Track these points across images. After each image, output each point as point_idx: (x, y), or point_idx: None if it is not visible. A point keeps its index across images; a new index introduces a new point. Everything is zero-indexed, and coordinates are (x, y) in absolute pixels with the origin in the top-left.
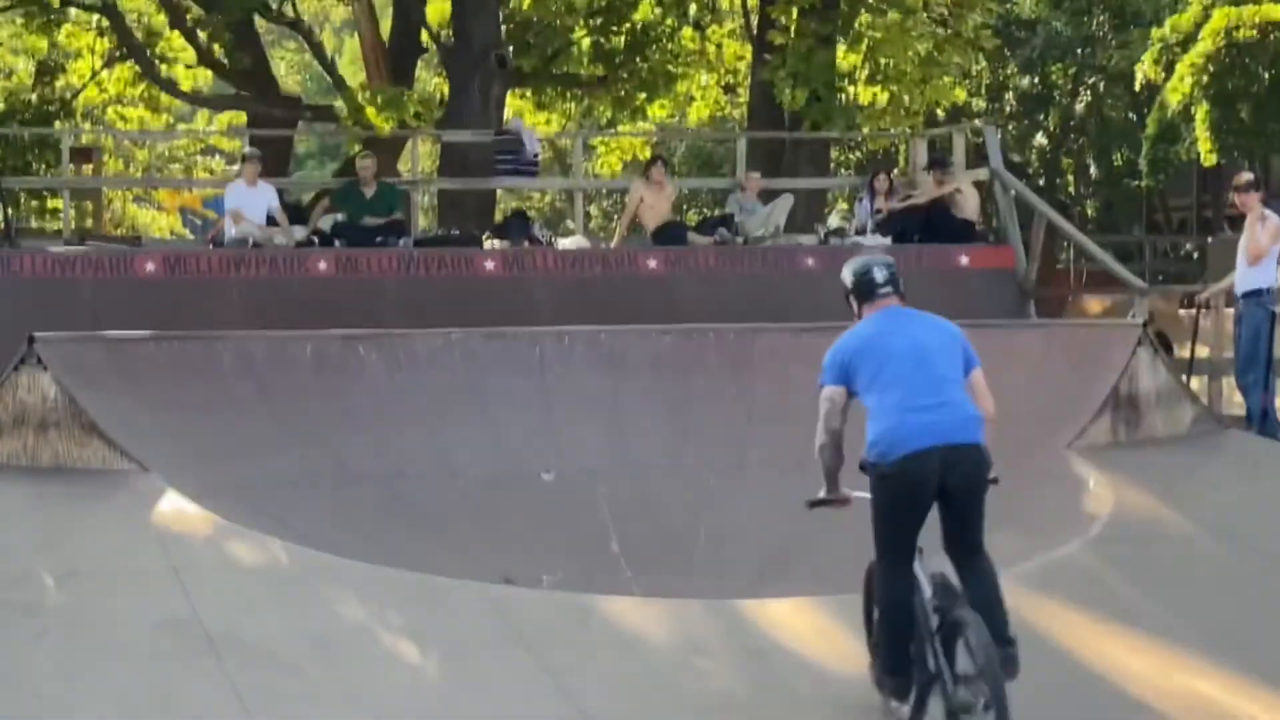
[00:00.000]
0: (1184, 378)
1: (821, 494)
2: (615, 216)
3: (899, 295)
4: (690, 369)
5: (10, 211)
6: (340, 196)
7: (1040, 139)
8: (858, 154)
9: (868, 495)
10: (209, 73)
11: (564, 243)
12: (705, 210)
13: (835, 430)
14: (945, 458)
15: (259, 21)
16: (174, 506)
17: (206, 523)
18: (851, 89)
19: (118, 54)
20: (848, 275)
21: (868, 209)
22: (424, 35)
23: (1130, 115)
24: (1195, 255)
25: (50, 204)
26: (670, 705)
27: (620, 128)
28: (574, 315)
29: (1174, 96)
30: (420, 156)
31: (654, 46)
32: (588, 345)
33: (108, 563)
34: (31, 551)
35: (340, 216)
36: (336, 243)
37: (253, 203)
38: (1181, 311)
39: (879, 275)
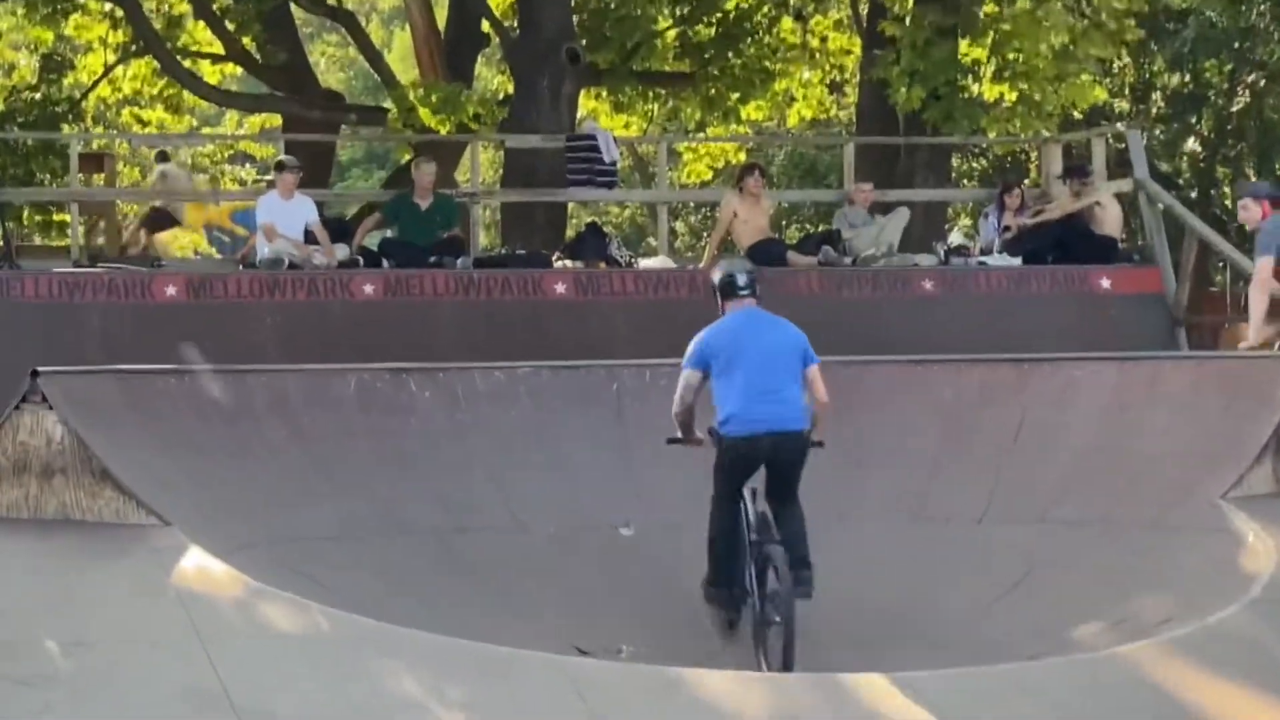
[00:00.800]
0: None
1: (678, 435)
2: (704, 233)
3: (755, 298)
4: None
5: (10, 227)
6: (391, 210)
7: (1192, 144)
8: (983, 162)
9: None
10: (238, 69)
11: (645, 263)
12: (808, 226)
13: (689, 406)
14: (775, 440)
15: (295, 10)
16: (198, 565)
17: (235, 583)
18: (975, 87)
19: (134, 47)
20: (715, 277)
21: (995, 225)
22: (485, 25)
23: None
24: None
25: (56, 218)
26: None
27: (710, 131)
28: (657, 346)
29: None
30: (481, 165)
31: (749, 39)
32: (672, 380)
33: (121, 629)
34: (34, 616)
35: (390, 233)
36: (385, 263)
37: (289, 217)
38: None
39: (741, 279)
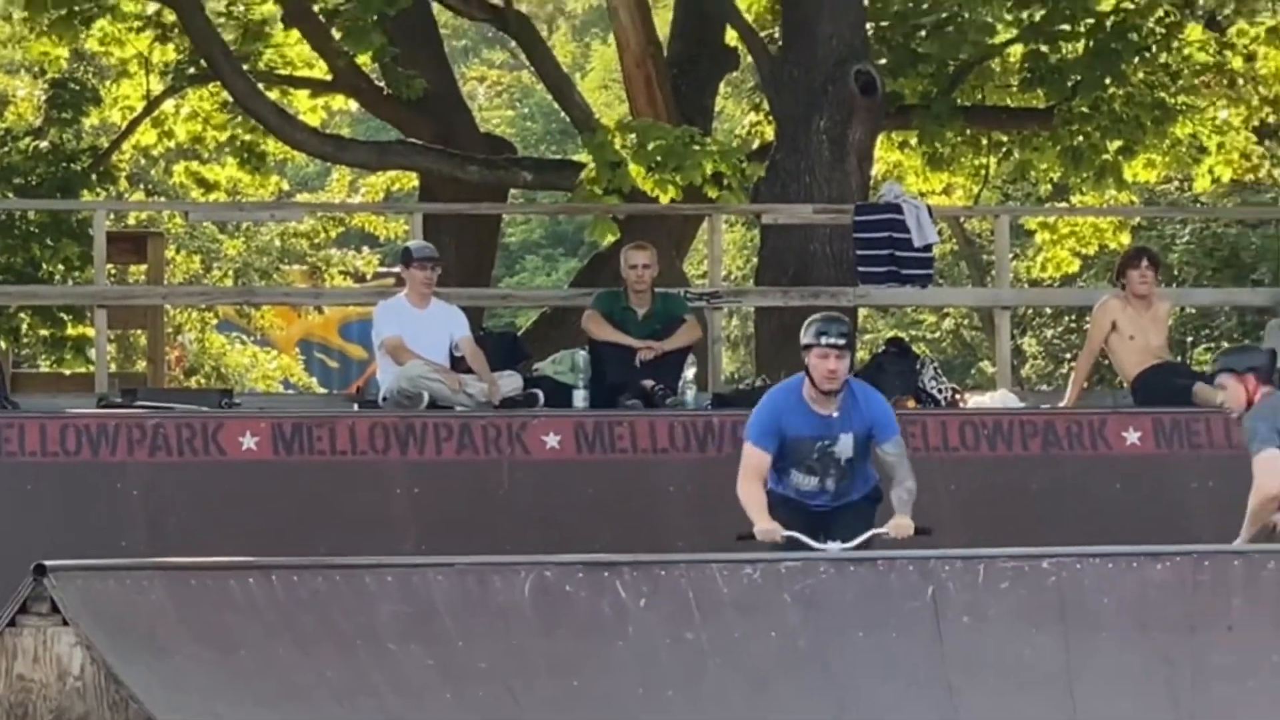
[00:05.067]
0: None
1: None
2: (1067, 354)
3: None
4: (1197, 619)
5: (2, 346)
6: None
7: None
8: None
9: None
10: (352, 103)
11: (977, 399)
12: (1224, 344)
13: None
14: None
15: (441, 15)
16: None
17: None
18: None
19: (191, 70)
20: None
21: None
22: (732, 36)
23: None
24: None
25: (73, 331)
26: None
27: (1076, 200)
28: (993, 523)
29: None
30: (725, 250)
31: (1136, 58)
32: (1016, 576)
33: None
34: None
35: (582, 357)
36: (577, 398)
37: (427, 331)
38: None
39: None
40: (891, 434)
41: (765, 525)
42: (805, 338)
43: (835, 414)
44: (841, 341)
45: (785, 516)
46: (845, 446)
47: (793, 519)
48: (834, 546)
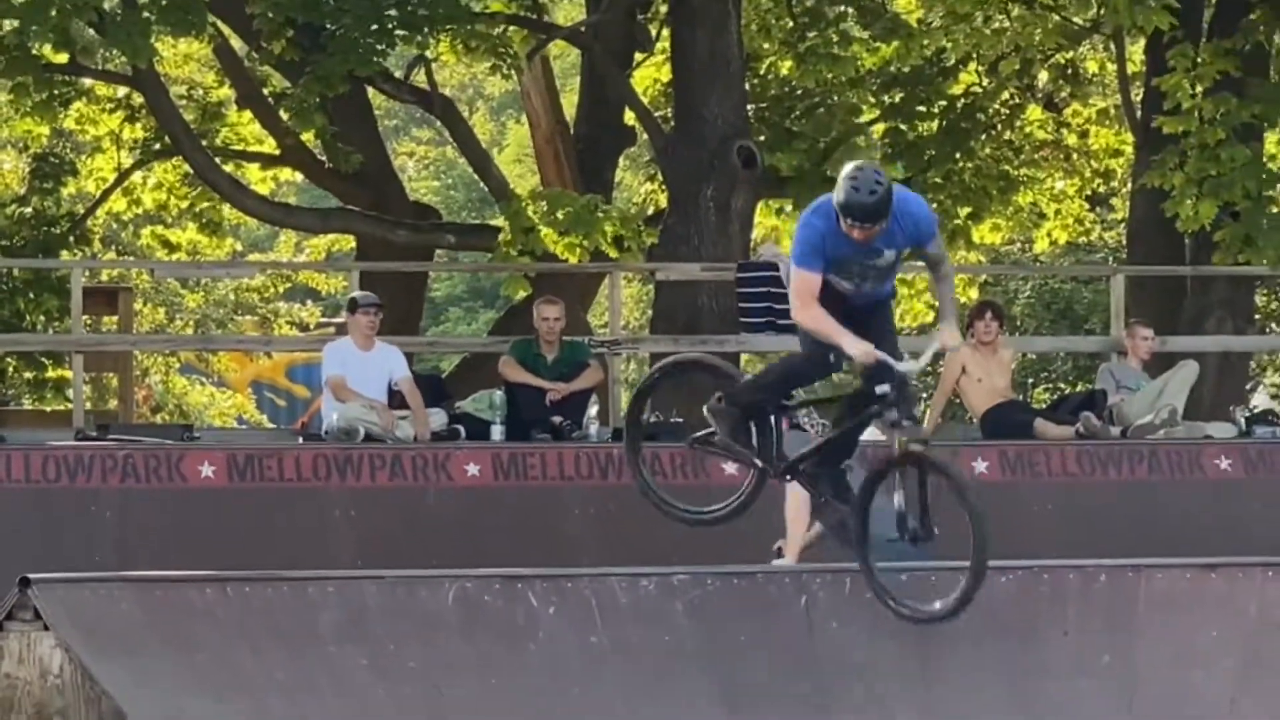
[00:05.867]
0: None
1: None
2: (926, 394)
3: None
4: (1038, 625)
5: None
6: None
7: None
8: None
9: None
10: (297, 174)
11: None
12: (1061, 386)
13: None
14: None
15: (375, 98)
16: None
17: None
18: None
19: (157, 145)
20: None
21: None
22: (630, 117)
23: None
24: None
25: (53, 374)
26: None
27: None
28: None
29: None
30: (623, 303)
31: (984, 135)
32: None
33: None
34: None
35: (499, 397)
36: (494, 433)
37: (366, 372)
38: None
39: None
40: (933, 234)
41: (861, 348)
42: (838, 197)
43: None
44: (872, 225)
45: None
46: (887, 258)
47: (830, 308)
48: (908, 366)
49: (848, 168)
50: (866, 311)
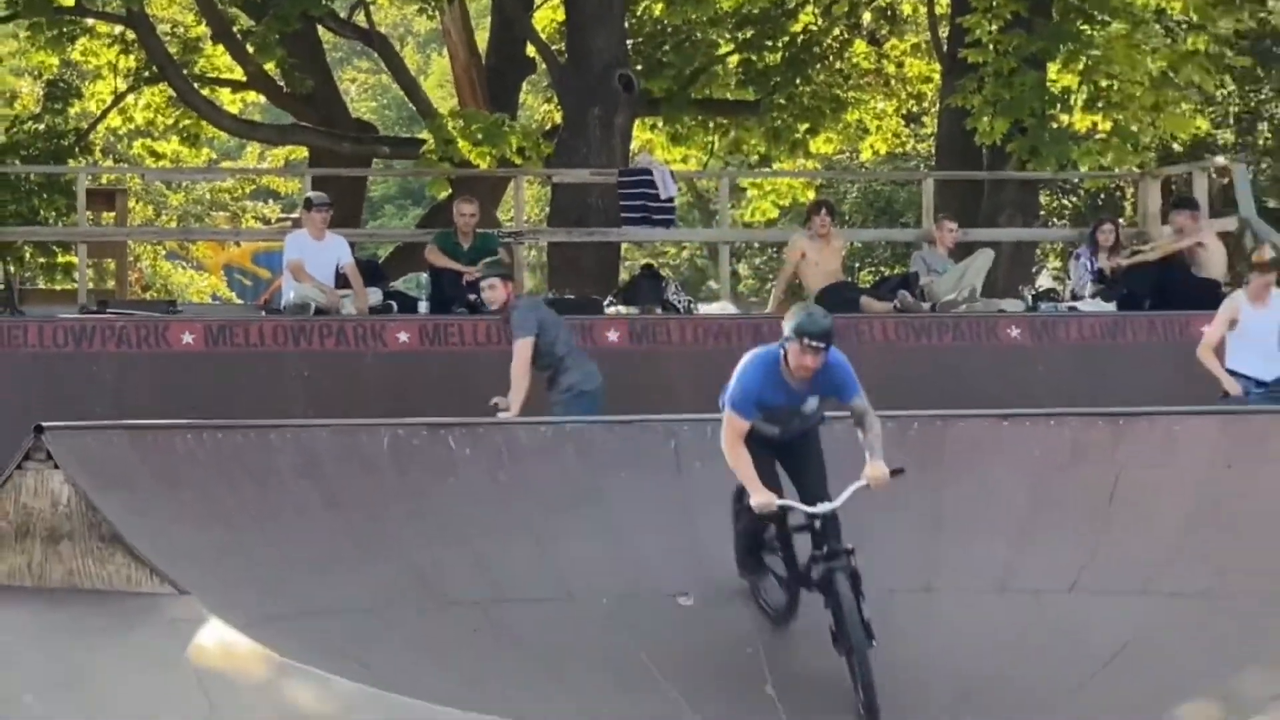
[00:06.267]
0: None
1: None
2: (770, 276)
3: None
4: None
5: (11, 270)
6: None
7: None
8: (1073, 199)
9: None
10: (261, 97)
11: (705, 309)
12: (882, 269)
13: None
14: None
15: (324, 34)
16: (218, 639)
17: (259, 659)
18: (1065, 117)
19: (146, 73)
20: (788, 324)
21: (1087, 267)
22: (531, 50)
23: None
24: None
25: (62, 260)
26: None
27: (776, 165)
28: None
29: None
30: (526, 202)
31: (818, 65)
32: None
33: (133, 710)
34: (37, 696)
35: (425, 278)
36: (421, 308)
37: (318, 258)
38: None
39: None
40: (853, 394)
41: (763, 499)
42: (788, 327)
43: (806, 384)
44: (822, 345)
45: (751, 447)
46: (811, 405)
47: (760, 458)
48: (823, 508)
49: (795, 307)
50: (795, 441)
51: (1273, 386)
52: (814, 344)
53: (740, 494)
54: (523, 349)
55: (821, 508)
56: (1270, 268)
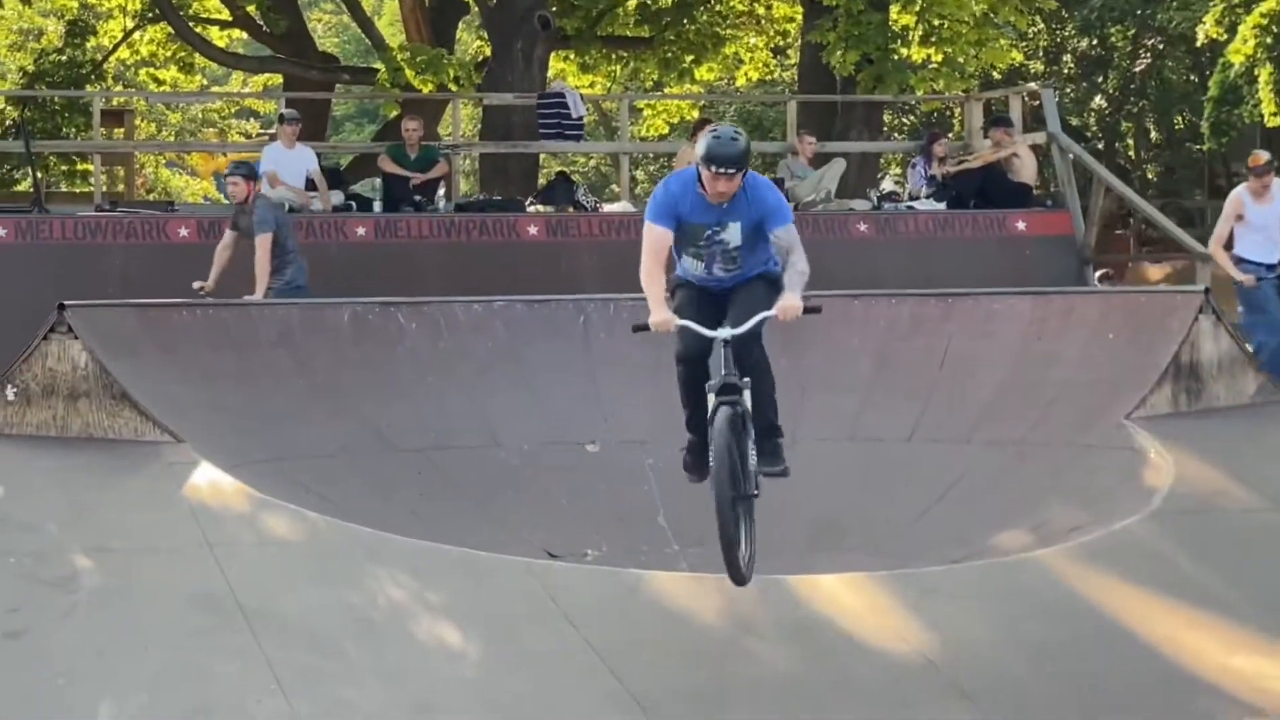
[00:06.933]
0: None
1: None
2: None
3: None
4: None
5: (39, 175)
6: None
7: (1099, 102)
8: (911, 117)
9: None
10: (244, 34)
11: (609, 208)
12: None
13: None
14: None
15: None
16: (208, 479)
17: (241, 496)
18: (905, 50)
19: (150, 14)
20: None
21: (922, 174)
22: None
23: (1191, 77)
24: None
25: (80, 168)
26: (718, 683)
27: (667, 90)
28: (620, 282)
29: (1236, 57)
30: (461, 120)
31: (702, 8)
32: (634, 313)
33: (139, 537)
34: (60, 526)
35: (378, 182)
36: (375, 207)
37: (290, 166)
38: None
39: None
40: (781, 222)
41: (660, 317)
42: (700, 150)
43: (725, 204)
44: (732, 170)
45: (684, 296)
46: (733, 234)
47: (691, 298)
48: (723, 333)
49: (708, 128)
50: (727, 298)
51: (1278, 269)
52: (723, 170)
53: (678, 357)
54: (265, 242)
55: (722, 332)
56: (1266, 169)
